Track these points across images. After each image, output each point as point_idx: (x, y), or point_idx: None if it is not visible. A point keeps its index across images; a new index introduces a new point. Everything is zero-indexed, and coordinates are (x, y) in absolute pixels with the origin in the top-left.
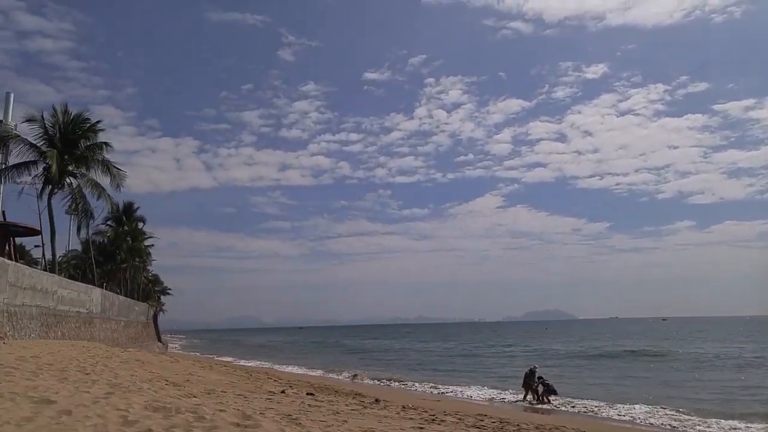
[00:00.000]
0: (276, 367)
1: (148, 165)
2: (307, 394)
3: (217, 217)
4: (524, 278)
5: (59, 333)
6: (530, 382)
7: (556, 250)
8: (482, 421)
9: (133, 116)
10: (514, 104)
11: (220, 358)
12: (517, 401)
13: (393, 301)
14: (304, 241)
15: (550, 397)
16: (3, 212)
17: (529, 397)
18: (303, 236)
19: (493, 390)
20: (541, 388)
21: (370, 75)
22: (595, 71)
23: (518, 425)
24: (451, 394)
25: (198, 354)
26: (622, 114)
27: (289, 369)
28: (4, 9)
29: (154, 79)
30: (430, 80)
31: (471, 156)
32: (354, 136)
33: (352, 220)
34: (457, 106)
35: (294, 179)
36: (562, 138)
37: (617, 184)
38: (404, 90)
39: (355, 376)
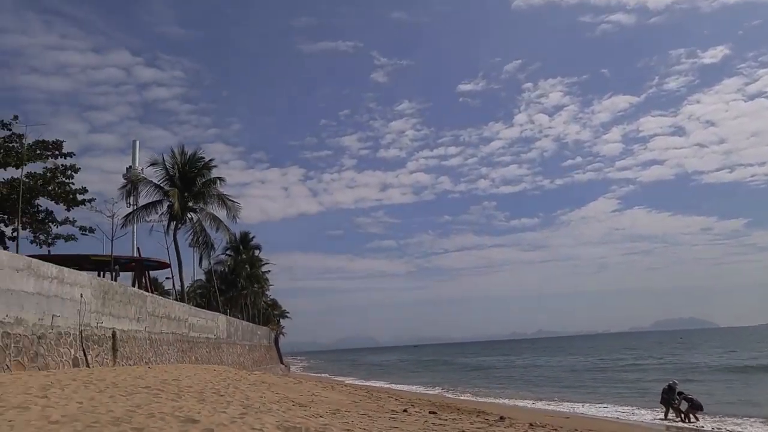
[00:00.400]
0: (395, 385)
1: (258, 195)
2: (430, 412)
3: (326, 240)
4: (649, 285)
5: (193, 358)
6: (670, 398)
7: (684, 252)
8: None
9: (241, 151)
10: (621, 101)
11: (340, 378)
12: (656, 419)
13: (509, 316)
14: (410, 258)
15: (696, 414)
16: (138, 249)
17: (671, 415)
18: (409, 254)
19: (626, 407)
20: (684, 405)
21: (464, 86)
22: (713, 55)
23: None
24: (581, 411)
25: (318, 375)
26: (751, 98)
27: (408, 388)
28: (126, 66)
29: (258, 114)
30: (528, 85)
31: (579, 159)
32: (452, 150)
33: (457, 234)
34: (559, 108)
35: (395, 198)
36: (679, 131)
37: (753, 176)
38: (501, 98)
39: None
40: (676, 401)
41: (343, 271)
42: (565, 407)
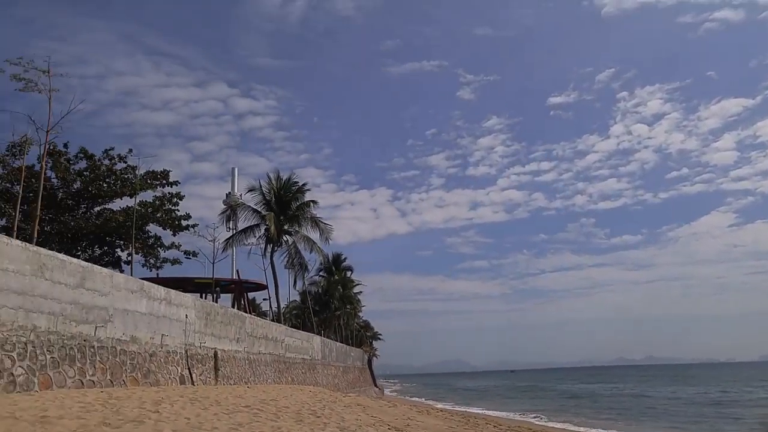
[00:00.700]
0: (491, 411)
1: (349, 217)
2: None
3: (416, 261)
4: None
5: (289, 378)
6: None
7: None
8: None
9: (332, 174)
10: (733, 104)
11: (434, 402)
12: None
13: (613, 340)
14: (504, 279)
15: None
16: (237, 271)
17: None
18: (503, 275)
19: None
20: None
21: (554, 99)
22: None
23: None
24: None
25: (412, 398)
26: None
27: (506, 414)
28: (223, 98)
29: (347, 138)
30: (623, 94)
31: (685, 170)
32: (546, 165)
33: (554, 254)
34: (659, 117)
35: (486, 216)
36: None
37: None
38: (595, 109)
39: None
40: None
41: (435, 293)
42: None
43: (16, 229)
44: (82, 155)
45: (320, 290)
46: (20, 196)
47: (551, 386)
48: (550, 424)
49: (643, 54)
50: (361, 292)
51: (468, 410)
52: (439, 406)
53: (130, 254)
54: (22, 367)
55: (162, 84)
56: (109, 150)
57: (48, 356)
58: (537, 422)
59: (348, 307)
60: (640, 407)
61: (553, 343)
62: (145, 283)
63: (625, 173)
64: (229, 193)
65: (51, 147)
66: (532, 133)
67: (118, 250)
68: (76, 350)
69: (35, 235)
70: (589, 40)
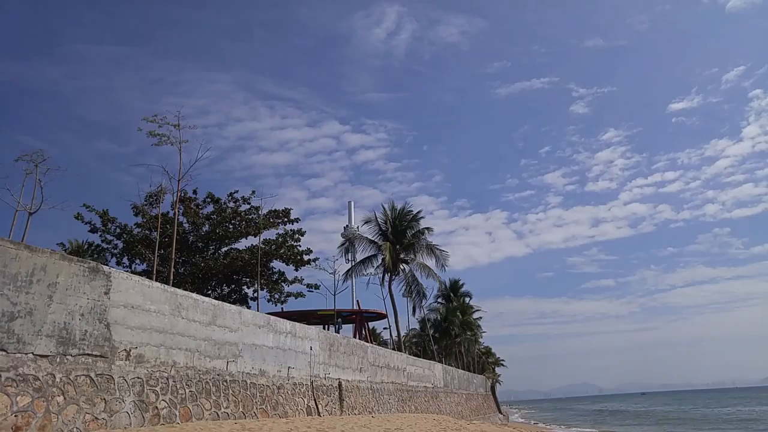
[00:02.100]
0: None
1: (464, 242)
2: None
3: (537, 283)
4: None
5: (412, 407)
6: None
7: None
8: None
9: (444, 200)
10: None
11: (563, 428)
12: None
13: (759, 358)
14: (632, 297)
15: None
16: (357, 302)
17: None
18: (630, 292)
19: None
20: None
21: (676, 105)
22: None
23: None
24: None
25: (540, 425)
26: None
27: None
28: (336, 134)
29: (458, 163)
30: (756, 92)
31: None
32: (670, 175)
33: (685, 268)
34: None
35: (610, 233)
36: None
37: None
38: (723, 111)
39: None
40: None
41: (558, 315)
42: None
43: (155, 272)
44: (209, 200)
45: (439, 317)
46: (158, 242)
47: (690, 409)
48: None
49: None
50: (480, 317)
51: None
52: (569, 430)
53: (256, 290)
54: (165, 401)
55: (277, 126)
56: (234, 193)
57: (187, 390)
58: None
59: (468, 333)
60: None
61: (688, 364)
62: (271, 317)
63: (763, 177)
64: (347, 225)
65: (182, 194)
66: (653, 143)
67: (245, 287)
68: (211, 384)
69: (171, 277)
70: (713, 40)
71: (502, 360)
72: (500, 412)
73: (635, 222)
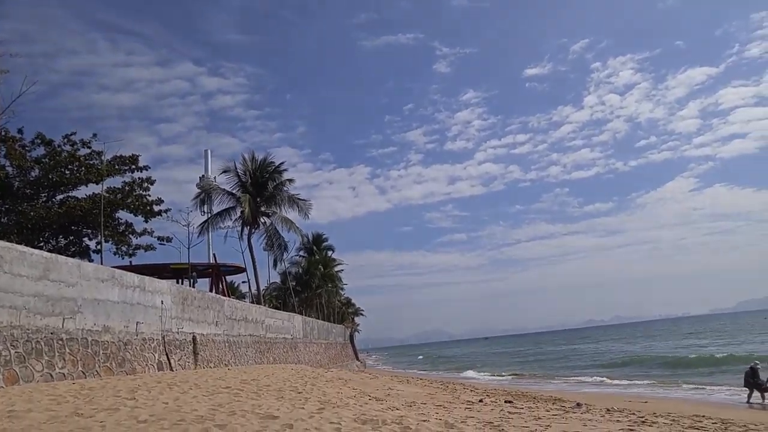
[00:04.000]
0: (469, 377)
1: (328, 196)
2: (506, 402)
3: (397, 237)
4: (733, 265)
5: (270, 358)
6: (755, 381)
7: None
8: (700, 422)
9: (308, 153)
10: (698, 73)
11: (415, 372)
12: (740, 402)
13: (585, 304)
14: (482, 251)
15: None
16: (214, 255)
17: (756, 395)
18: (480, 246)
19: (704, 389)
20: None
21: (530, 71)
22: None
23: (745, 426)
24: (661, 395)
25: (393, 369)
26: None
27: (483, 378)
28: (190, 76)
29: (323, 115)
30: (597, 65)
31: (653, 138)
32: (521, 137)
33: (530, 224)
34: (630, 87)
35: (464, 190)
36: (763, 101)
37: None
38: (569, 80)
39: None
40: (762, 382)
41: (415, 267)
42: (644, 392)
43: None
44: (39, 141)
45: (300, 270)
46: None
47: (525, 349)
48: (526, 384)
49: (616, 24)
50: (342, 270)
51: (447, 376)
52: (420, 374)
53: (99, 243)
54: None
55: (122, 63)
56: (70, 135)
57: (12, 351)
58: (511, 383)
59: (329, 285)
60: (603, 359)
61: (527, 310)
62: (117, 271)
63: (598, 143)
64: (203, 176)
65: (3, 132)
66: (508, 106)
67: (86, 239)
68: (43, 343)
69: None
70: (565, 11)
71: (362, 310)
72: (358, 359)
73: (488, 181)
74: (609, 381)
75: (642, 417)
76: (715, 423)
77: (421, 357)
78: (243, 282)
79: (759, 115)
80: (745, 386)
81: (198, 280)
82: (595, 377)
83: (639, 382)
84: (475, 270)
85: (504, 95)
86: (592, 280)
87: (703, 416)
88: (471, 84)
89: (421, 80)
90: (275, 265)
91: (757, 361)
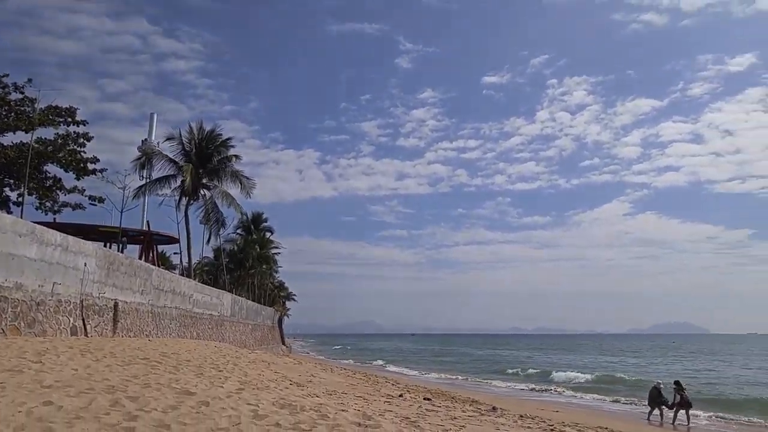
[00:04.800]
0: (392, 371)
1: (273, 176)
2: (424, 399)
3: (339, 225)
4: (652, 289)
5: (194, 333)
6: (660, 399)
7: (689, 259)
8: None
9: (257, 129)
10: (645, 104)
11: (339, 361)
12: (641, 418)
13: (511, 311)
14: (421, 249)
15: (689, 412)
16: (147, 222)
17: (656, 413)
18: (420, 244)
19: (610, 402)
20: (677, 398)
21: (489, 78)
22: (740, 63)
23: None
24: (574, 405)
25: (318, 357)
26: None
27: (407, 374)
28: (143, 34)
29: (277, 94)
30: (553, 81)
31: (597, 160)
32: (472, 143)
33: (470, 228)
34: (581, 107)
35: (411, 188)
36: (697, 139)
37: (762, 188)
38: (525, 93)
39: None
40: (667, 400)
41: (353, 258)
42: (557, 401)
43: None
44: None
45: (236, 248)
46: None
47: (453, 349)
48: (447, 383)
49: (576, 45)
50: (279, 253)
51: (370, 369)
52: (344, 363)
53: (21, 195)
54: None
55: (68, 8)
56: (3, 77)
57: None
58: (433, 381)
59: (264, 266)
60: (525, 365)
61: (455, 312)
62: (38, 226)
63: (544, 158)
64: (146, 139)
65: None
66: (463, 110)
67: (8, 189)
68: None
69: None
70: (529, 25)
71: (294, 295)
72: (284, 343)
73: (435, 181)
74: (526, 388)
75: (551, 425)
76: None
77: (349, 347)
78: (175, 253)
79: (693, 152)
80: (648, 404)
81: (128, 246)
82: (511, 383)
83: (553, 392)
84: (411, 267)
85: (461, 99)
86: (521, 289)
87: (606, 428)
88: (430, 83)
89: (381, 72)
90: (210, 240)
91: (660, 381)
